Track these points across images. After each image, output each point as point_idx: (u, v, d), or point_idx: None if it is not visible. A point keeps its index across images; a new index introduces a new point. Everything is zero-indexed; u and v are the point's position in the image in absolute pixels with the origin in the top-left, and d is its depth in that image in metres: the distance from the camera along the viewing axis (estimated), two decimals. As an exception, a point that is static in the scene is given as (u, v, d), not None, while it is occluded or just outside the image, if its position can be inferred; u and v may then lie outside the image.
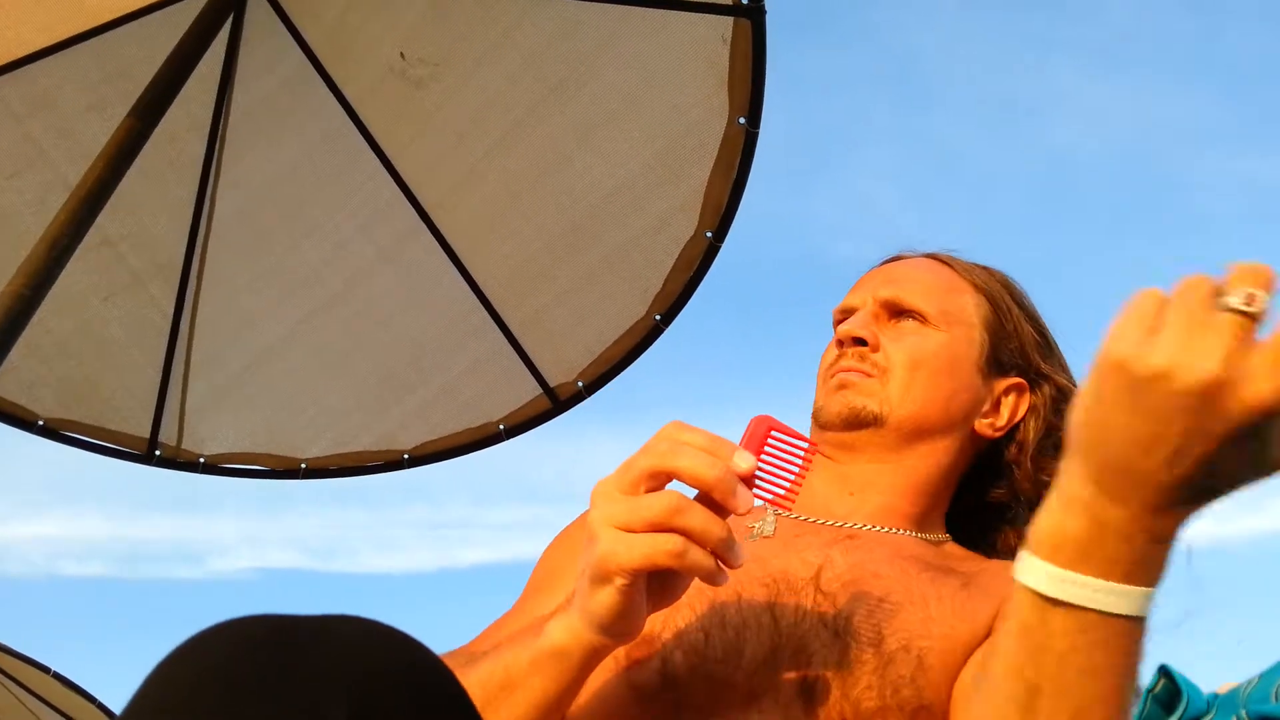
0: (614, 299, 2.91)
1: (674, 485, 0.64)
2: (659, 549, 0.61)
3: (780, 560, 0.83)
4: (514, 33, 2.64)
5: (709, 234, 2.74)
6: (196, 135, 2.82)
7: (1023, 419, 1.00)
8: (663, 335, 2.90)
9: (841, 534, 0.89)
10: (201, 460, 3.15)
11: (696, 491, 0.64)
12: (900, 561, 0.84)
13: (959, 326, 0.99)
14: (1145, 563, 0.55)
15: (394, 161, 2.89)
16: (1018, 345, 1.01)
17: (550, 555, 0.96)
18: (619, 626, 0.65)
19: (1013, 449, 1.00)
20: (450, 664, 0.56)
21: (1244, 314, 0.50)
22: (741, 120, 2.58)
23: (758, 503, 0.65)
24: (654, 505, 0.62)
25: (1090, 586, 0.55)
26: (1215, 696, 0.69)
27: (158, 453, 3.11)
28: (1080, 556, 0.56)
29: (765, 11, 2.45)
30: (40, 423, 2.97)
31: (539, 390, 3.06)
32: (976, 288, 1.02)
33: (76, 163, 2.51)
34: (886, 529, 0.91)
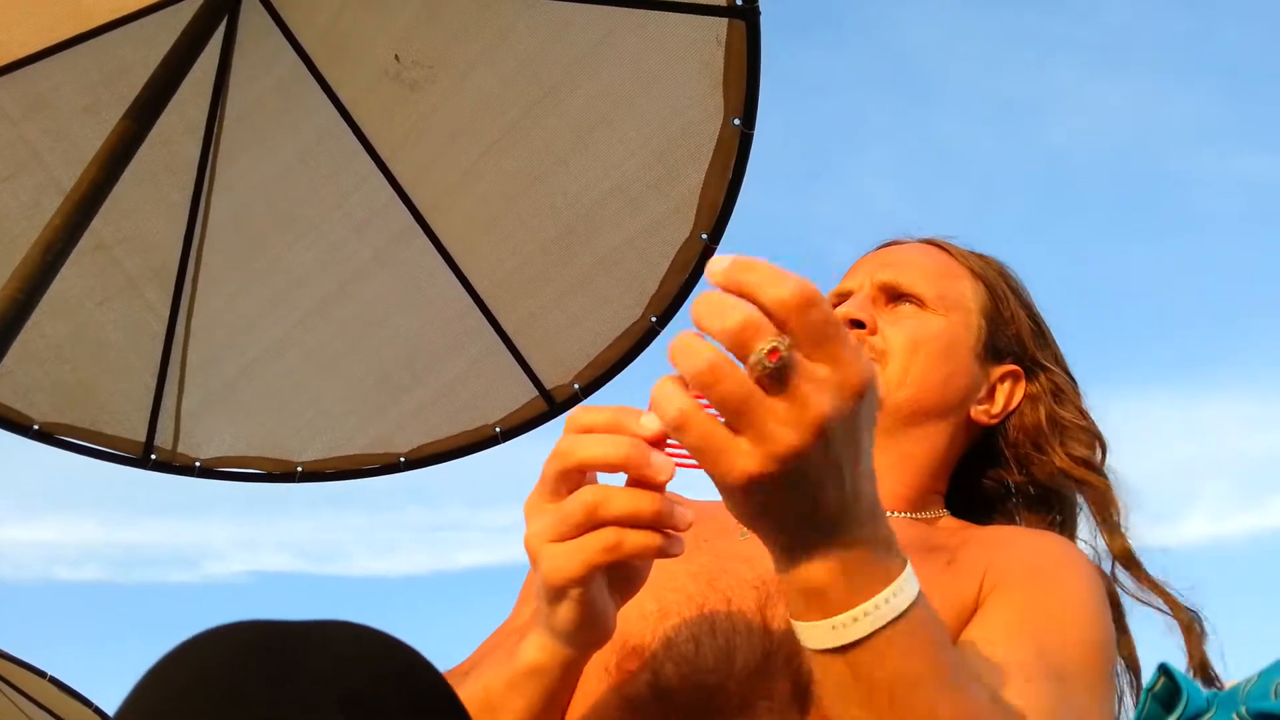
0: (609, 301, 2.91)
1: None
2: (594, 549, 0.59)
3: (769, 559, 0.82)
4: (509, 35, 2.64)
5: (704, 236, 2.73)
6: (191, 138, 2.82)
7: (1017, 407, 1.00)
8: (658, 337, 2.90)
9: None
10: (197, 464, 3.14)
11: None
12: None
13: (957, 312, 0.98)
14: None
15: (389, 164, 2.89)
16: (1014, 333, 1.01)
17: None
18: (587, 636, 0.64)
19: (1007, 436, 1.00)
20: None
21: (771, 369, 0.49)
22: (736, 121, 2.57)
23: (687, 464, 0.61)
24: (574, 508, 0.59)
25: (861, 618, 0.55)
26: (1215, 694, 0.69)
27: (153, 456, 3.10)
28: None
29: (759, 12, 2.45)
30: (35, 427, 2.96)
31: (535, 393, 3.06)
32: (974, 274, 1.02)
33: (71, 166, 2.51)
34: None
